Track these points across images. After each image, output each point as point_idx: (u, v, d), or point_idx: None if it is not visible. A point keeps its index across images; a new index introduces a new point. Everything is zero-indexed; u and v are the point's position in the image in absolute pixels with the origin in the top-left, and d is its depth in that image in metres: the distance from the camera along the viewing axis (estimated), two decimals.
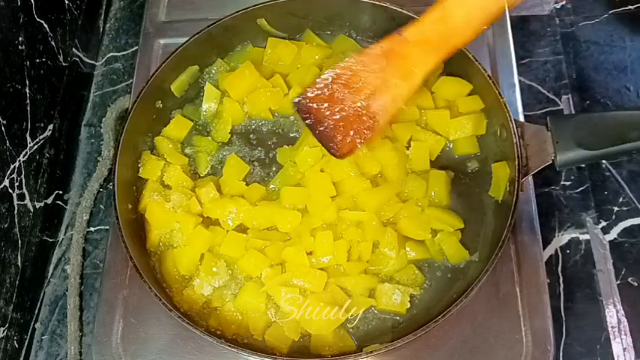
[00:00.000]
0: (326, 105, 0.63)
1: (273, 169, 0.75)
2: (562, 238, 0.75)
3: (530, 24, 0.89)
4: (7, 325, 0.69)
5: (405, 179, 0.71)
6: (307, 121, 0.64)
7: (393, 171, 0.71)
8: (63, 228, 0.81)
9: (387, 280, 0.68)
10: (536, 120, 0.69)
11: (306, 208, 0.70)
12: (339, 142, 0.63)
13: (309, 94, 0.64)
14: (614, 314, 0.70)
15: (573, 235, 0.75)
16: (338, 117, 0.63)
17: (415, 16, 0.72)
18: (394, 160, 0.70)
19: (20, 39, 0.72)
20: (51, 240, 0.79)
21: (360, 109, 0.63)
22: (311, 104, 0.63)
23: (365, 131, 0.63)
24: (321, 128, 0.63)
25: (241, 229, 0.70)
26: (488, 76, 0.69)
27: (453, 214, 0.70)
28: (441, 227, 0.68)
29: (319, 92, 0.63)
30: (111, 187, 0.69)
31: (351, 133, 0.63)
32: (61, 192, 0.82)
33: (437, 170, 0.72)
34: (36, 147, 0.75)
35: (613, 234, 0.75)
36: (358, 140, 0.63)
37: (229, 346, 0.60)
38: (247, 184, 0.73)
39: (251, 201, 0.71)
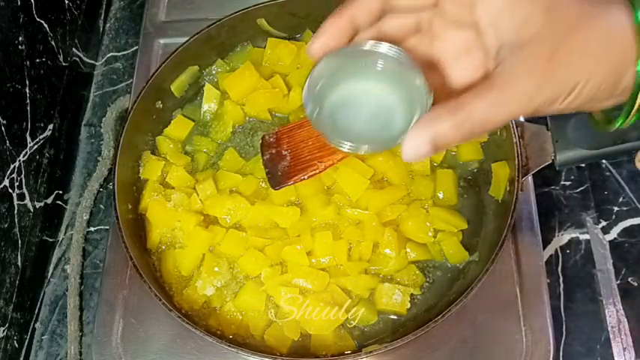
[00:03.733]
0: (286, 144, 0.63)
1: None
2: (562, 237, 0.75)
3: None
4: (7, 324, 0.69)
5: (410, 181, 0.71)
6: (266, 155, 0.64)
7: (395, 175, 0.71)
8: (63, 228, 0.81)
9: (387, 280, 0.68)
10: (536, 120, 0.68)
11: (304, 205, 0.70)
12: (279, 176, 0.63)
13: (283, 131, 0.64)
14: (614, 314, 0.70)
15: (573, 235, 0.75)
16: (290, 157, 0.63)
17: None
18: (389, 164, 0.70)
19: (20, 39, 0.72)
20: (51, 240, 0.79)
21: (315, 157, 0.62)
22: (278, 137, 0.64)
23: (305, 175, 0.63)
24: (266, 157, 0.64)
25: (240, 227, 0.70)
26: None
27: (457, 215, 0.70)
28: (445, 228, 0.68)
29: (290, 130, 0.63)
30: (111, 187, 0.69)
31: (294, 172, 0.63)
32: (61, 192, 0.82)
33: (444, 170, 0.72)
34: (36, 147, 0.76)
35: (613, 234, 0.75)
36: (294, 180, 0.63)
37: (229, 346, 0.60)
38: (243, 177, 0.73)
39: (246, 194, 0.71)
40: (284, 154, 0.64)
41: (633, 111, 0.41)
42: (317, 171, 0.60)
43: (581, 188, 0.77)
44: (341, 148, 0.45)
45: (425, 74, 0.47)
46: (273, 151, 0.63)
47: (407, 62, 0.44)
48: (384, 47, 0.44)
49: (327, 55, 0.45)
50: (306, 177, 0.60)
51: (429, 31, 0.47)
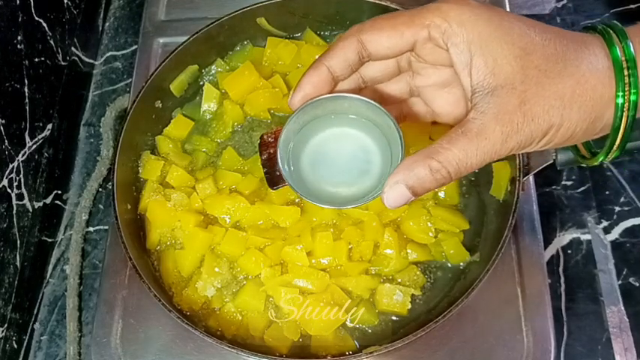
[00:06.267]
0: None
1: None
2: (563, 238, 0.74)
3: None
4: (5, 325, 0.69)
5: None
6: (264, 155, 0.63)
7: None
8: (62, 228, 0.81)
9: (388, 280, 0.67)
10: None
11: (304, 205, 0.70)
12: (277, 176, 0.63)
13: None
14: (615, 314, 0.70)
15: (574, 235, 0.74)
16: None
17: None
18: None
19: (19, 38, 0.72)
20: (50, 240, 0.79)
21: None
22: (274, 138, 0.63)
23: None
24: (264, 156, 0.63)
25: (240, 227, 0.70)
26: None
27: (458, 215, 0.70)
28: (446, 228, 0.68)
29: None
30: (110, 187, 0.69)
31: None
32: (60, 192, 0.82)
33: None
34: (35, 146, 0.75)
35: (614, 234, 0.74)
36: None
37: (229, 346, 0.60)
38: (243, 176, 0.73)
39: (245, 193, 0.71)
40: None
41: (614, 147, 0.41)
42: None
43: (583, 188, 0.77)
44: (320, 205, 0.46)
45: (408, 103, 0.49)
46: (272, 151, 0.62)
47: (376, 105, 0.44)
48: (352, 95, 0.45)
49: (296, 111, 0.45)
50: None
51: (409, 68, 0.47)
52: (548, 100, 0.39)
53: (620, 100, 0.39)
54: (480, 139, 0.39)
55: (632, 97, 0.39)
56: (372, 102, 0.44)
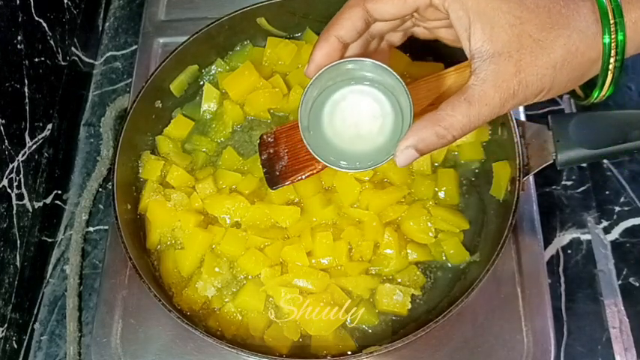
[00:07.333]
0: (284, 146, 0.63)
1: None
2: (563, 238, 0.74)
3: None
4: (5, 325, 0.69)
5: (411, 181, 0.71)
6: (264, 155, 0.63)
7: (396, 175, 0.70)
8: (62, 228, 0.81)
9: (388, 280, 0.67)
10: (537, 119, 0.68)
11: (304, 205, 0.70)
12: (277, 176, 0.62)
13: (278, 130, 0.63)
14: (615, 314, 0.70)
15: (574, 235, 0.74)
16: (287, 156, 0.63)
17: None
18: (390, 163, 0.70)
19: (19, 38, 0.72)
20: (50, 240, 0.79)
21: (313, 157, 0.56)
22: (276, 138, 0.63)
23: (302, 175, 0.62)
24: (264, 156, 0.63)
25: (240, 227, 0.70)
26: None
27: (459, 215, 0.70)
28: (446, 228, 0.68)
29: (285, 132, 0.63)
30: (110, 187, 0.69)
31: (292, 172, 0.62)
32: (60, 192, 0.82)
33: (445, 169, 0.71)
34: (35, 146, 0.75)
35: (614, 234, 0.74)
36: (291, 180, 0.62)
37: (229, 346, 0.60)
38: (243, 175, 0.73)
39: (245, 192, 0.71)
40: (282, 154, 0.64)
41: (606, 85, 0.45)
42: (314, 171, 0.60)
43: (583, 188, 0.77)
44: (337, 168, 0.50)
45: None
46: (271, 151, 0.63)
47: (385, 68, 0.48)
48: (363, 58, 0.49)
49: (312, 79, 0.49)
50: (303, 177, 0.60)
51: (412, 17, 0.52)
52: (541, 69, 0.42)
53: (607, 40, 0.42)
54: (480, 105, 0.43)
55: (620, 37, 0.42)
56: (382, 64, 0.47)
